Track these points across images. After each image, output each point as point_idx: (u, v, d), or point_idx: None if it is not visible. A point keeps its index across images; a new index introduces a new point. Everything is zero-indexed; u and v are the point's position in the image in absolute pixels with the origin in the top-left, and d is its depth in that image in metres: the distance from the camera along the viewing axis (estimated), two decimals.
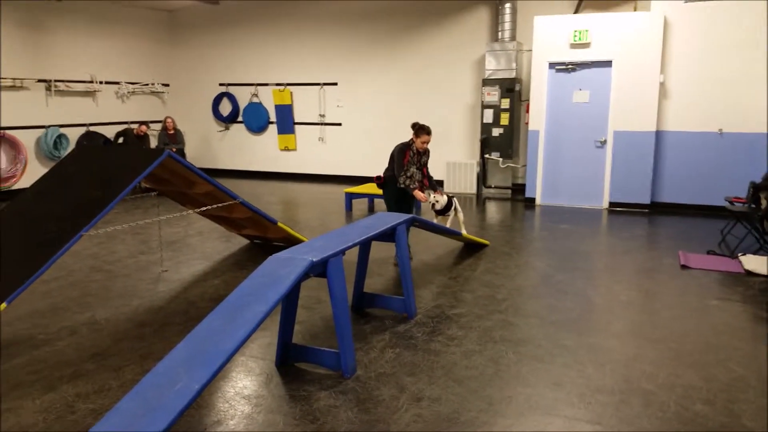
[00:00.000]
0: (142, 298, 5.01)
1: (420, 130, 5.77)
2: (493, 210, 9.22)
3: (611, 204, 9.05)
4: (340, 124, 11.77)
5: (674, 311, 4.70)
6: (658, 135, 8.75)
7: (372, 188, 9.05)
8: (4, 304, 3.43)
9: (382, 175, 6.10)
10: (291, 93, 12.00)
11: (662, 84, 8.61)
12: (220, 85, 12.58)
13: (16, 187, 9.52)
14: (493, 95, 9.96)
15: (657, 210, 8.83)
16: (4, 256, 3.97)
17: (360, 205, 9.31)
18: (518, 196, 10.01)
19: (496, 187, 10.47)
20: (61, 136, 10.18)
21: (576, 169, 9.24)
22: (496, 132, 10.04)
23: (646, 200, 8.82)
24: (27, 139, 9.89)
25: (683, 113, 8.64)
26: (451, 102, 10.86)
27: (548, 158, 9.39)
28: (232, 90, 12.51)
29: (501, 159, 10.12)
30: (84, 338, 4.16)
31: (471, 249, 6.58)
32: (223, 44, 12.43)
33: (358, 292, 4.64)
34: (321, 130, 11.94)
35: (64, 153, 10.05)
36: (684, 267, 5.86)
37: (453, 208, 6.39)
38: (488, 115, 10.07)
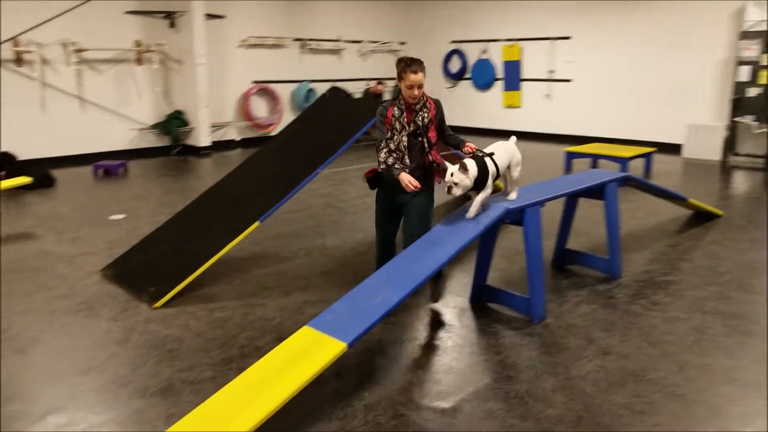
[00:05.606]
0: (366, 232, 5.66)
1: (404, 67, 3.49)
2: (739, 180, 8.26)
3: None
4: (570, 81, 11.38)
5: None
6: None
7: (595, 148, 8.72)
8: (257, 222, 4.24)
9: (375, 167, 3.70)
10: (521, 48, 11.89)
11: None
12: (451, 42, 12.94)
13: (273, 133, 11.09)
14: (752, 50, 8.80)
15: None
16: (259, 187, 4.84)
17: (581, 165, 9.02)
18: None
19: (746, 155, 9.31)
20: (310, 90, 11.52)
21: None
22: (752, 92, 8.89)
23: None
24: (283, 92, 11.40)
25: None
26: (698, 58, 9.80)
27: None
28: (462, 47, 12.80)
29: (756, 123, 8.94)
30: (316, 259, 4.92)
31: (700, 218, 6.07)
32: (457, 1, 12.71)
33: (560, 247, 4.68)
34: (548, 86, 11.67)
35: None
36: None
37: (491, 178, 3.51)
38: (744, 73, 8.93)
